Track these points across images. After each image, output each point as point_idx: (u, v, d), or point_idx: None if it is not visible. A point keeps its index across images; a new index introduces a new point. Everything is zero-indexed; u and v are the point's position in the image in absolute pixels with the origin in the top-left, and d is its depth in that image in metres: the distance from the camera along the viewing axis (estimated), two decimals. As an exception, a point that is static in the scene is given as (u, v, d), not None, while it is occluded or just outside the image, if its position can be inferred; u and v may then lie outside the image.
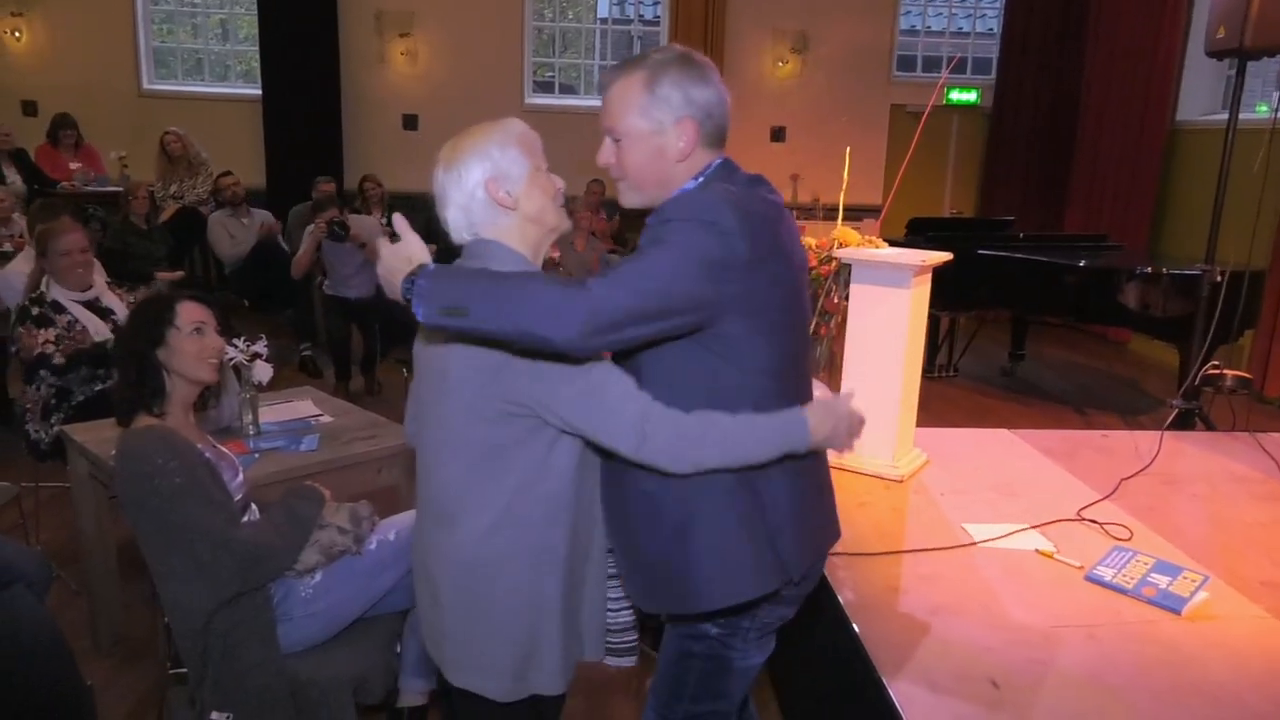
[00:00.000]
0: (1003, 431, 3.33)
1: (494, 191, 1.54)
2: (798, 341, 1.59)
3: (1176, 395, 4.29)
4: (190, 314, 2.11)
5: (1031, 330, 6.90)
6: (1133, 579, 2.10)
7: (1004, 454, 3.06)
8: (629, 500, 1.57)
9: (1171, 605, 2.00)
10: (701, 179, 1.54)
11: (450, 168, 1.56)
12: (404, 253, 1.44)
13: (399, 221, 1.55)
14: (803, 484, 1.57)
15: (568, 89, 9.36)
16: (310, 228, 5.52)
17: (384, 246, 1.46)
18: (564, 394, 1.44)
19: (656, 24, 9.22)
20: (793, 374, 1.56)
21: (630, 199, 1.60)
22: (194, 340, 2.09)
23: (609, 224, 7.63)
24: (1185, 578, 2.10)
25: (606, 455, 1.55)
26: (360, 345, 5.79)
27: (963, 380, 6.51)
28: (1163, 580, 2.09)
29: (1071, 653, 1.85)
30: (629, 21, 9.35)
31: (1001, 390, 6.36)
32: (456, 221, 1.57)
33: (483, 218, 1.56)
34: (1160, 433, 3.11)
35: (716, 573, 1.51)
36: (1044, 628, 1.94)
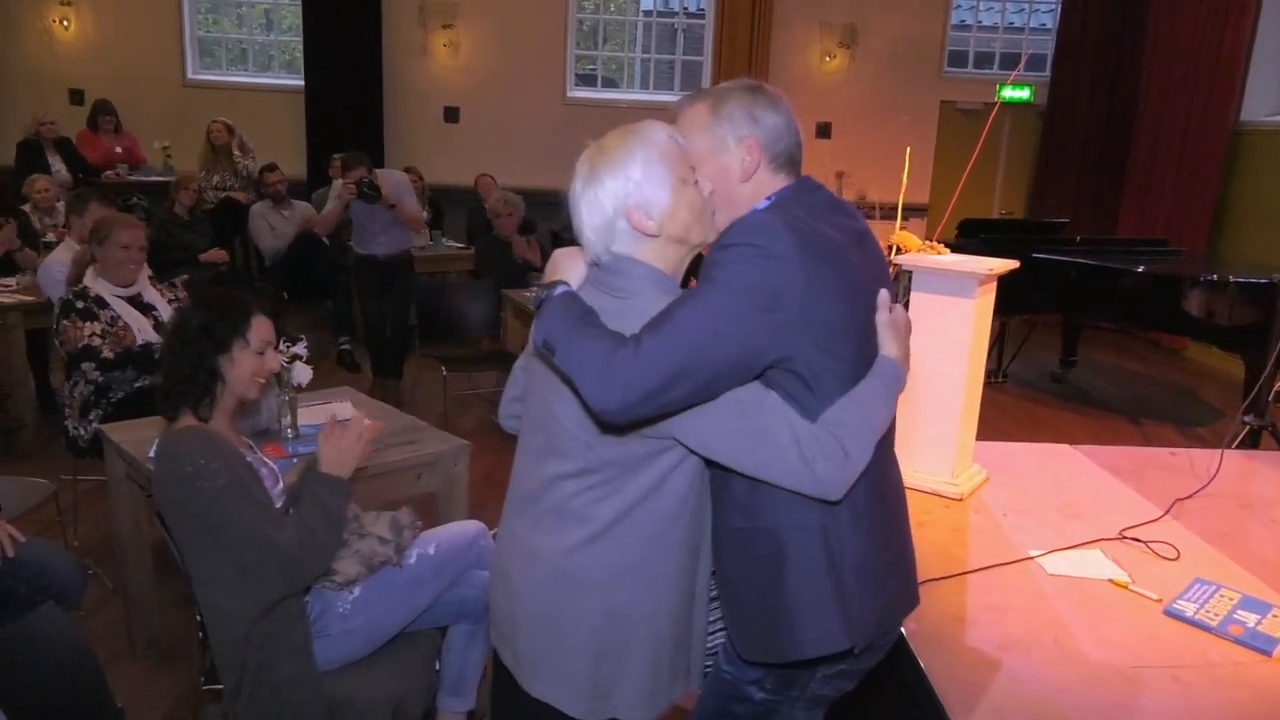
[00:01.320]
0: (1064, 447, 3.18)
1: (638, 222, 1.43)
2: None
3: (1241, 408, 4.11)
4: (262, 332, 2.06)
5: (1083, 335, 6.71)
6: (1217, 616, 1.96)
7: (1066, 471, 2.92)
8: (722, 541, 1.49)
9: (1261, 646, 1.86)
10: (773, 200, 1.45)
11: (587, 185, 1.45)
12: (564, 260, 1.48)
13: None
14: (872, 546, 1.47)
15: (609, 82, 9.25)
16: (338, 182, 5.39)
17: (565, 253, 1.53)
18: (722, 424, 1.34)
19: (701, 16, 9.07)
20: None
21: None
22: (256, 360, 2.04)
23: None
24: (1275, 616, 1.96)
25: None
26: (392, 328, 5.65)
27: (1013, 387, 6.34)
28: (1250, 618, 1.95)
29: (1155, 696, 1.72)
30: (673, 14, 9.22)
31: (1053, 398, 6.18)
32: (593, 245, 1.47)
33: (624, 245, 1.46)
34: (1220, 451, 2.93)
35: (809, 617, 1.41)
36: (1123, 667, 1.81)
